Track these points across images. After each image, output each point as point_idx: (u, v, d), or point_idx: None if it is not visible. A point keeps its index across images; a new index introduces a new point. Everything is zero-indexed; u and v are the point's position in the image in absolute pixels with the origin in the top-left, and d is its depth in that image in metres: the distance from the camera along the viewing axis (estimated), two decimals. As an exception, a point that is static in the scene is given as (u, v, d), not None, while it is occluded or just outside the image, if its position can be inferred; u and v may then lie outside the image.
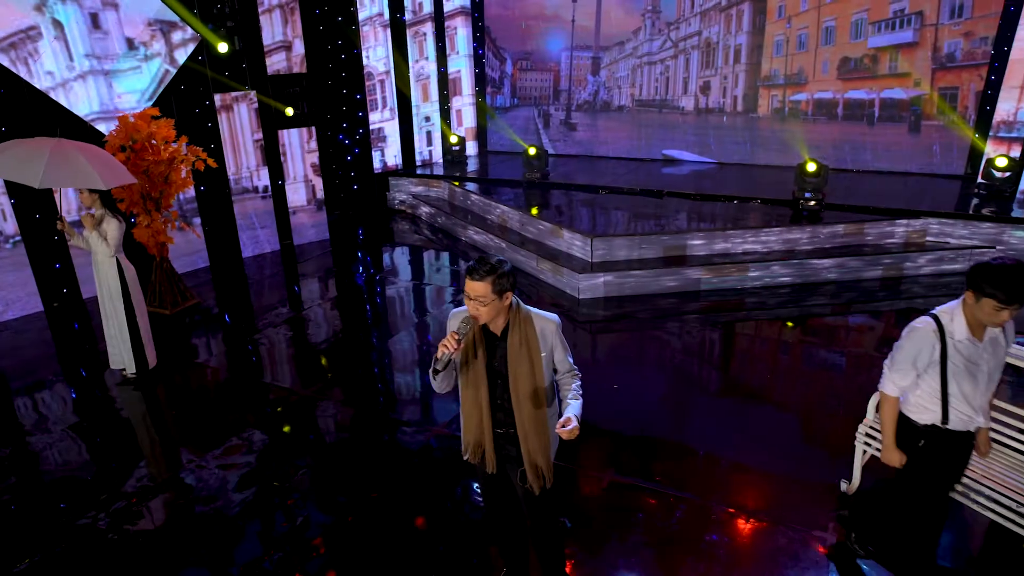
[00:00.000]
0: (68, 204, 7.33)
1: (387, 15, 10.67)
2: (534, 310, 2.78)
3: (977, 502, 3.44)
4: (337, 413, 5.16)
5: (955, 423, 2.93)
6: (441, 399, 5.26)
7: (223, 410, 5.24)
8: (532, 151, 10.18)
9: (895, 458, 3.08)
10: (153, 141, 6.53)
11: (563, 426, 2.57)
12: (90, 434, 4.96)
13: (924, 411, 2.98)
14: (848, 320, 6.73)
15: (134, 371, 5.62)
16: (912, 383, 2.98)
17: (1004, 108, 9.02)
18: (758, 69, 10.65)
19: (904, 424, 3.06)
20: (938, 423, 2.95)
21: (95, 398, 5.53)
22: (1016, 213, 7.89)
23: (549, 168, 10.48)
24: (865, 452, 3.91)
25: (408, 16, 11.02)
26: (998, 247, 7.61)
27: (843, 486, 4.00)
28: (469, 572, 3.53)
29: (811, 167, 8.31)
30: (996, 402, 3.27)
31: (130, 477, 4.39)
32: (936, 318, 2.87)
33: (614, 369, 5.84)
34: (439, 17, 11.51)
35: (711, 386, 5.61)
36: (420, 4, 11.22)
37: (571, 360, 2.84)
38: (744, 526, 3.76)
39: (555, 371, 2.85)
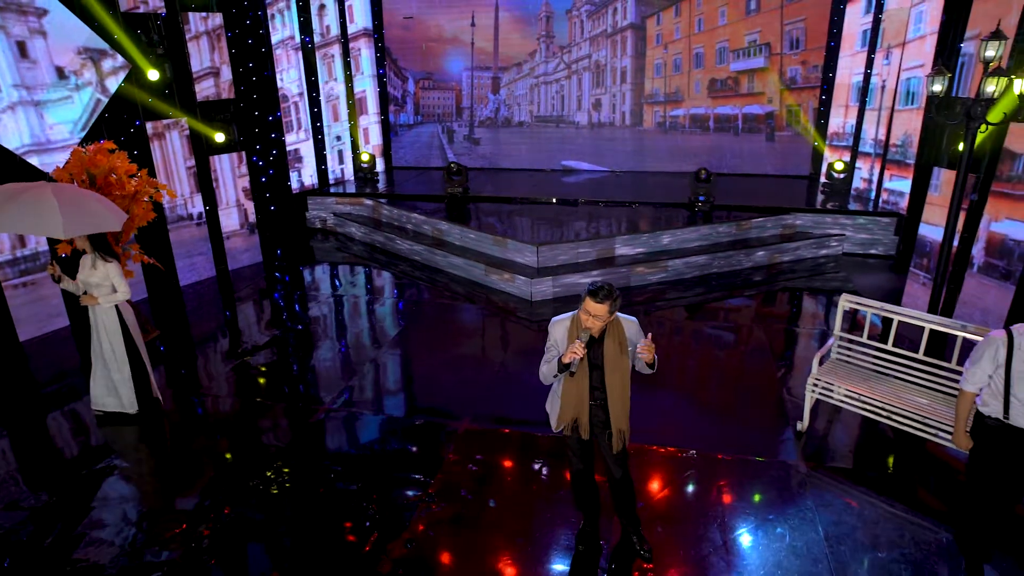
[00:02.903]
0: (2, 244, 6.92)
1: (298, 38, 10.82)
2: (620, 315, 3.60)
3: (910, 426, 4.77)
4: (376, 421, 5.60)
5: (1018, 419, 3.48)
6: (456, 397, 5.90)
7: (254, 434, 5.46)
8: (454, 167, 10.87)
9: (963, 443, 3.75)
10: (115, 175, 6.43)
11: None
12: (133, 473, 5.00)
13: (988, 406, 3.57)
14: (752, 301, 8.21)
15: (135, 410, 5.60)
16: (985, 382, 3.56)
17: (835, 122, 11.22)
18: (642, 88, 12.18)
19: (976, 417, 3.67)
20: (1000, 417, 3.53)
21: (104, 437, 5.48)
22: (852, 206, 9.94)
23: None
24: (812, 398, 5.17)
25: (317, 38, 11.23)
26: (847, 232, 9.58)
27: (798, 426, 5.24)
28: (557, 526, 4.26)
29: (703, 175, 9.85)
30: (924, 357, 4.63)
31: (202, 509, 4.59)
32: (1008, 330, 3.47)
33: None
34: (345, 39, 11.81)
35: (669, 363, 6.72)
36: (328, 27, 11.46)
37: None
38: (736, 463, 4.85)
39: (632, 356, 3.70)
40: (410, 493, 4.63)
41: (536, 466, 4.92)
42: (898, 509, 4.40)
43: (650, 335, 3.50)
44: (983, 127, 4.87)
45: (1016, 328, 3.47)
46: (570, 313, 3.61)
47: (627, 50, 12.03)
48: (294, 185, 11.24)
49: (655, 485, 4.67)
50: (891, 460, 4.99)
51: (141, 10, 7.90)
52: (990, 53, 4.59)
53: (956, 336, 4.62)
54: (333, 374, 6.52)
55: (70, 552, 4.13)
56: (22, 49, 6.83)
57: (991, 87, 4.54)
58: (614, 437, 3.69)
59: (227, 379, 6.42)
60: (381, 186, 11.99)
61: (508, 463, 4.97)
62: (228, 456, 5.18)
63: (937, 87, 5.01)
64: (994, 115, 4.80)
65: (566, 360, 3.39)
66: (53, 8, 6.99)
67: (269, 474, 4.86)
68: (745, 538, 4.16)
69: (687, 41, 11.72)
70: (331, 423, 5.59)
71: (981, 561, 3.87)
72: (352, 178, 12.40)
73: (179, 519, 4.41)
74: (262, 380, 6.42)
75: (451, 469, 4.88)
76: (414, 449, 5.20)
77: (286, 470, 4.92)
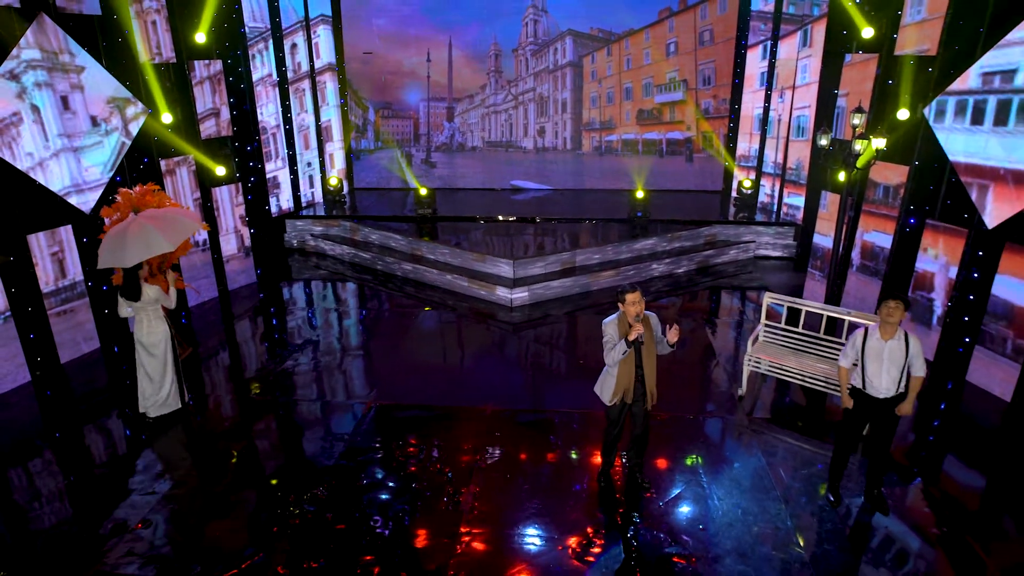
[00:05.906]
0: (47, 276, 7.66)
1: (275, 74, 11.79)
2: (647, 312, 5.18)
3: (815, 385, 6.65)
4: (415, 411, 6.91)
5: (869, 389, 4.99)
6: (473, 387, 7.30)
7: (321, 422, 6.66)
8: (424, 191, 12.20)
9: (847, 402, 5.17)
10: (162, 213, 7.39)
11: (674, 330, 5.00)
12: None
13: (854, 379, 5.11)
14: (689, 299, 10.09)
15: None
16: (853, 360, 5.08)
17: (742, 147, 13.43)
18: (580, 117, 13.96)
19: (852, 386, 5.18)
20: (860, 387, 5.07)
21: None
22: (759, 217, 12.11)
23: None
24: (748, 370, 6.99)
25: (290, 74, 12.23)
26: (755, 239, 11.71)
27: (738, 391, 7.05)
28: (577, 471, 5.79)
29: (640, 194, 11.71)
30: (824, 336, 6.51)
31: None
32: (866, 327, 4.97)
33: (581, 347, 8.36)
34: (313, 74, 12.86)
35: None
36: (299, 63, 12.47)
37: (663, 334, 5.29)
38: (695, 420, 6.58)
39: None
40: (464, 456, 6.03)
41: (550, 434, 6.44)
42: (812, 444, 6.25)
43: (675, 326, 5.04)
44: (855, 171, 6.87)
45: (872, 325, 4.93)
46: (615, 315, 5.15)
47: (567, 84, 13.78)
48: (273, 209, 12.18)
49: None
50: (804, 410, 6.88)
51: (156, 60, 8.78)
52: (856, 122, 6.59)
53: (844, 319, 6.57)
54: (365, 376, 7.77)
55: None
56: (65, 102, 7.63)
57: (858, 146, 6.54)
58: (648, 398, 5.26)
59: (275, 382, 7.52)
60: (348, 207, 13.10)
61: (530, 433, 6.46)
62: (302, 440, 6.38)
63: (824, 141, 6.98)
64: (861, 162, 6.81)
65: (632, 337, 4.91)
66: (89, 65, 7.81)
67: (346, 449, 6.12)
68: (711, 470, 5.87)
69: (618, 77, 13.61)
70: (379, 413, 6.87)
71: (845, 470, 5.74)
72: (322, 200, 13.42)
73: (297, 482, 5.61)
74: (307, 382, 7.57)
75: (488, 439, 6.32)
76: (455, 426, 6.59)
77: (358, 447, 6.19)
